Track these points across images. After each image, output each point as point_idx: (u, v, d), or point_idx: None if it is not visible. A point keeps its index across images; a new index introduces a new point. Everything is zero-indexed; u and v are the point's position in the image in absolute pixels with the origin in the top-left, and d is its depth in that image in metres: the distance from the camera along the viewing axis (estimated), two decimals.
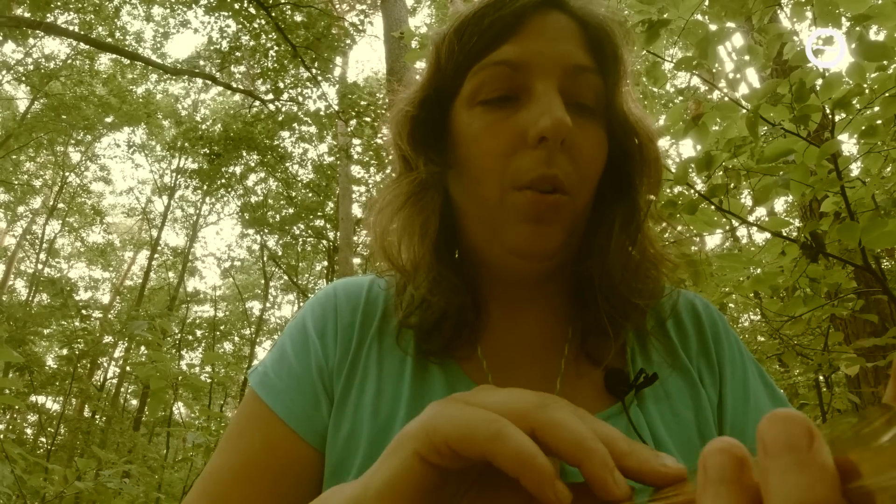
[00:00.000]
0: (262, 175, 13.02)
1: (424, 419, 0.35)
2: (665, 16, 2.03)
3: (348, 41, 10.48)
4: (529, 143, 0.54)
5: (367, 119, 8.82)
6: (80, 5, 10.27)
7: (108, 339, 13.32)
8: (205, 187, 12.97)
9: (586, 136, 0.57)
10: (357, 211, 10.45)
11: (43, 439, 11.13)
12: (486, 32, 0.58)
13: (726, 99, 1.96)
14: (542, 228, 0.55)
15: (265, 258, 14.60)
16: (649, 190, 0.63)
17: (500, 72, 0.57)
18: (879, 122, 1.84)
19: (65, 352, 12.60)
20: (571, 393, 0.60)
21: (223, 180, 12.34)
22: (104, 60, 12.92)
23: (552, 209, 0.54)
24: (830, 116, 1.84)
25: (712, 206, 1.89)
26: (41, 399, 12.40)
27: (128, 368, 12.95)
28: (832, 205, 2.03)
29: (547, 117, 0.53)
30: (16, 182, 14.60)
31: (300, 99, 9.96)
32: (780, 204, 7.30)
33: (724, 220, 2.01)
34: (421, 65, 0.67)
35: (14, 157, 13.95)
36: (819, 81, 1.80)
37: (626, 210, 0.61)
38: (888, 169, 2.19)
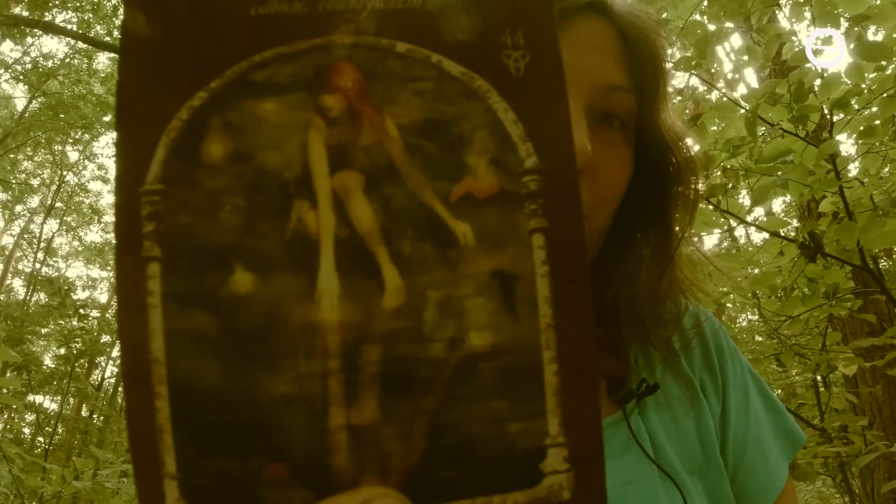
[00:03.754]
0: None
1: None
2: (664, 16, 2.03)
3: None
4: None
5: None
6: (78, 4, 10.25)
7: (105, 338, 13.29)
8: None
9: (610, 156, 0.54)
10: None
11: (41, 439, 11.11)
12: None
13: (725, 99, 1.96)
14: None
15: None
16: (685, 212, 0.61)
17: None
18: (878, 122, 1.84)
19: (62, 351, 12.57)
20: None
21: None
22: (102, 59, 12.90)
23: None
24: (829, 116, 1.84)
25: (711, 206, 1.89)
26: (39, 398, 12.36)
27: None
28: (830, 205, 2.03)
29: None
30: (13, 181, 14.56)
31: None
32: (778, 204, 7.31)
33: (723, 220, 2.01)
34: None
35: (12, 156, 13.91)
36: (818, 81, 1.80)
37: (659, 237, 0.59)
38: (886, 169, 2.19)
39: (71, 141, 15.23)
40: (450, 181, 0.18)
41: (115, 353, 14.45)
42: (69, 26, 10.47)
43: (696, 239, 0.68)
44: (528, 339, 0.17)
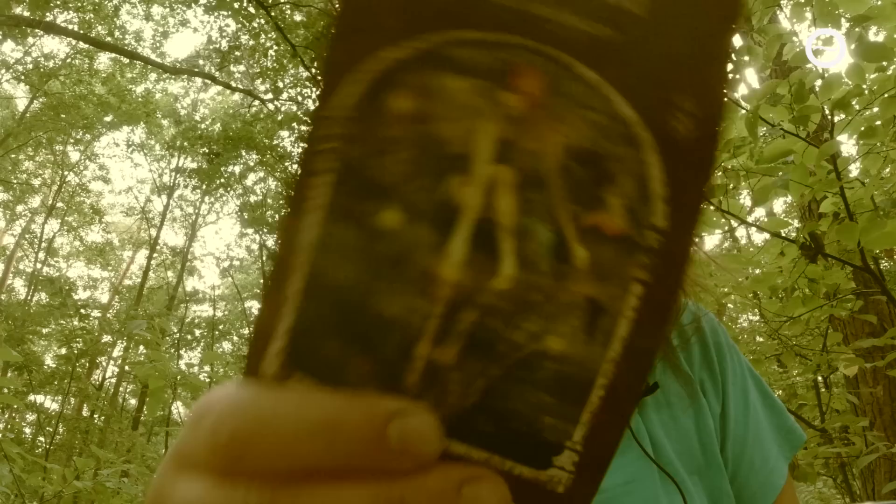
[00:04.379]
0: (262, 174, 13.01)
1: None
2: None
3: None
4: None
5: None
6: (79, 4, 10.26)
7: (106, 338, 13.30)
8: (204, 187, 12.96)
9: None
10: None
11: (41, 438, 11.13)
12: None
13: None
14: None
15: (264, 258, 14.60)
16: None
17: None
18: (879, 122, 1.84)
19: (63, 351, 12.59)
20: None
21: (222, 180, 12.33)
22: (103, 59, 12.90)
23: None
24: (830, 117, 1.84)
25: (711, 207, 1.89)
26: (40, 398, 12.39)
27: (126, 368, 12.94)
28: (831, 205, 2.03)
29: None
30: (15, 181, 14.58)
31: (299, 98, 9.96)
32: (779, 204, 7.30)
33: (724, 220, 2.01)
34: None
35: (13, 156, 13.93)
36: (818, 82, 1.80)
37: None
38: (887, 170, 2.19)
39: (72, 141, 15.23)
40: (585, 209, 0.19)
41: (116, 352, 14.46)
42: (70, 26, 10.48)
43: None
44: (592, 362, 0.19)
